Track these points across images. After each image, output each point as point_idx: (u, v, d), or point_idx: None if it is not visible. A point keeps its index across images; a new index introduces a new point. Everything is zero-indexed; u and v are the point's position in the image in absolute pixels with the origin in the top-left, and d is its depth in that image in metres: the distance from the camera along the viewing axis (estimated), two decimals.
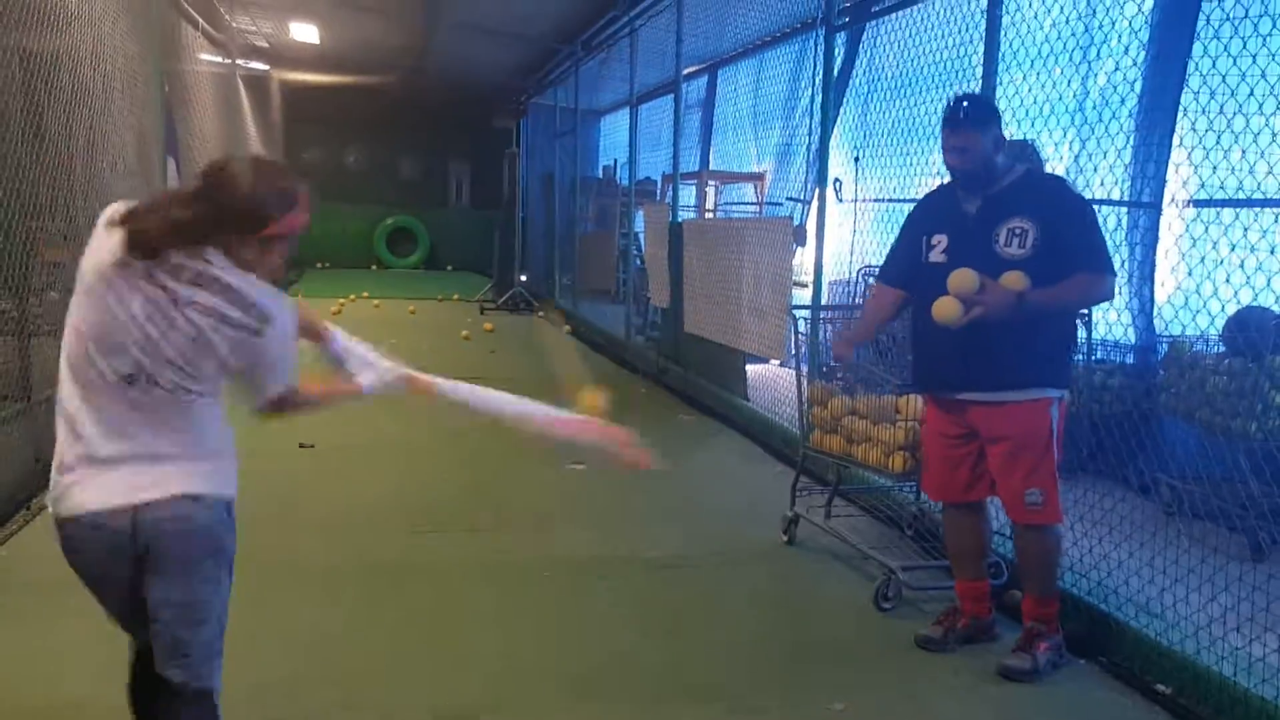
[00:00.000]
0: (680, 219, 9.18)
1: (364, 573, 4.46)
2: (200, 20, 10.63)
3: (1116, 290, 3.73)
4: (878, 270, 4.23)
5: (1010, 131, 4.72)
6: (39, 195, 5.32)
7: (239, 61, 13.86)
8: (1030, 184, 3.62)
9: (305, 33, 14.40)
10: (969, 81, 4.78)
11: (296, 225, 2.24)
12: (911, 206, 4.10)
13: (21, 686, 3.32)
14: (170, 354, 2.12)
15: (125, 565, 2.20)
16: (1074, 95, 4.78)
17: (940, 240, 3.69)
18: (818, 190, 6.37)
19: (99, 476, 2.15)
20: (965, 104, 3.65)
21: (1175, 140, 5.03)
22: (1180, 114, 4.87)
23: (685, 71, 9.71)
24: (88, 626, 3.58)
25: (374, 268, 21.89)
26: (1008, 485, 3.62)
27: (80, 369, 2.15)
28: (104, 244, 2.12)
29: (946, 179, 3.84)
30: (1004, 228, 3.52)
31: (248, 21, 13.67)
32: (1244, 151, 3.82)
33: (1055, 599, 3.70)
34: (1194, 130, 4.08)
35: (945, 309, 3.46)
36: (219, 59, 12.40)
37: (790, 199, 7.81)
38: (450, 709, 3.30)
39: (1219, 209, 4.24)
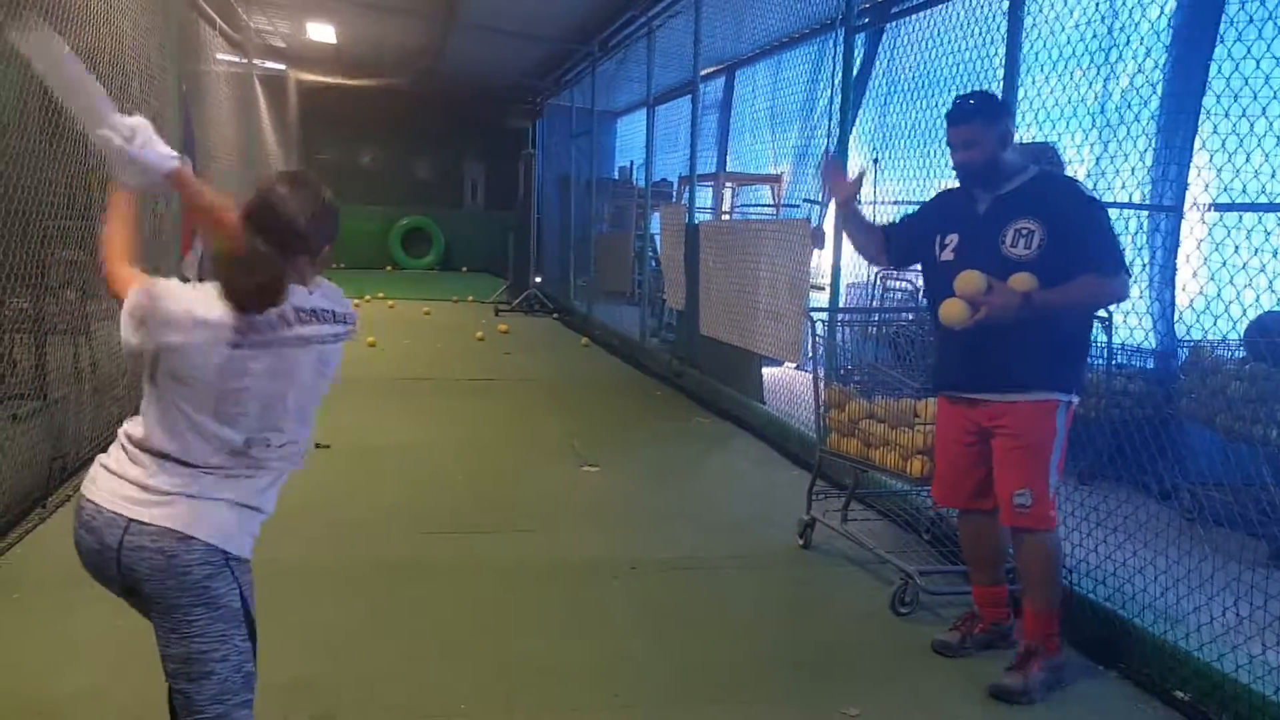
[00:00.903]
0: (697, 221, 9.16)
1: (379, 573, 4.46)
2: (218, 20, 10.66)
3: (1131, 292, 3.67)
4: (896, 275, 4.22)
5: (1031, 134, 4.69)
6: (56, 194, 5.33)
7: (256, 61, 13.91)
8: (1041, 185, 3.58)
9: (322, 33, 14.45)
10: (990, 83, 4.75)
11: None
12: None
13: (34, 681, 3.33)
14: (289, 404, 2.21)
15: (113, 581, 2.20)
16: (1095, 98, 4.75)
17: (952, 239, 3.67)
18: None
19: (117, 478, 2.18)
20: (969, 99, 3.63)
21: (1197, 144, 5.00)
22: (1202, 117, 4.83)
23: (703, 72, 9.69)
24: (101, 623, 3.62)
25: (389, 269, 21.94)
26: (1001, 486, 3.59)
27: (181, 430, 2.16)
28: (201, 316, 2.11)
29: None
30: (1011, 228, 3.49)
31: (265, 21, 13.72)
32: (1266, 155, 3.78)
33: (1056, 615, 3.61)
34: (1216, 134, 4.04)
35: (951, 311, 3.45)
36: (236, 59, 12.44)
37: (807, 200, 7.78)
38: (465, 709, 3.29)
39: (1240, 213, 4.21)
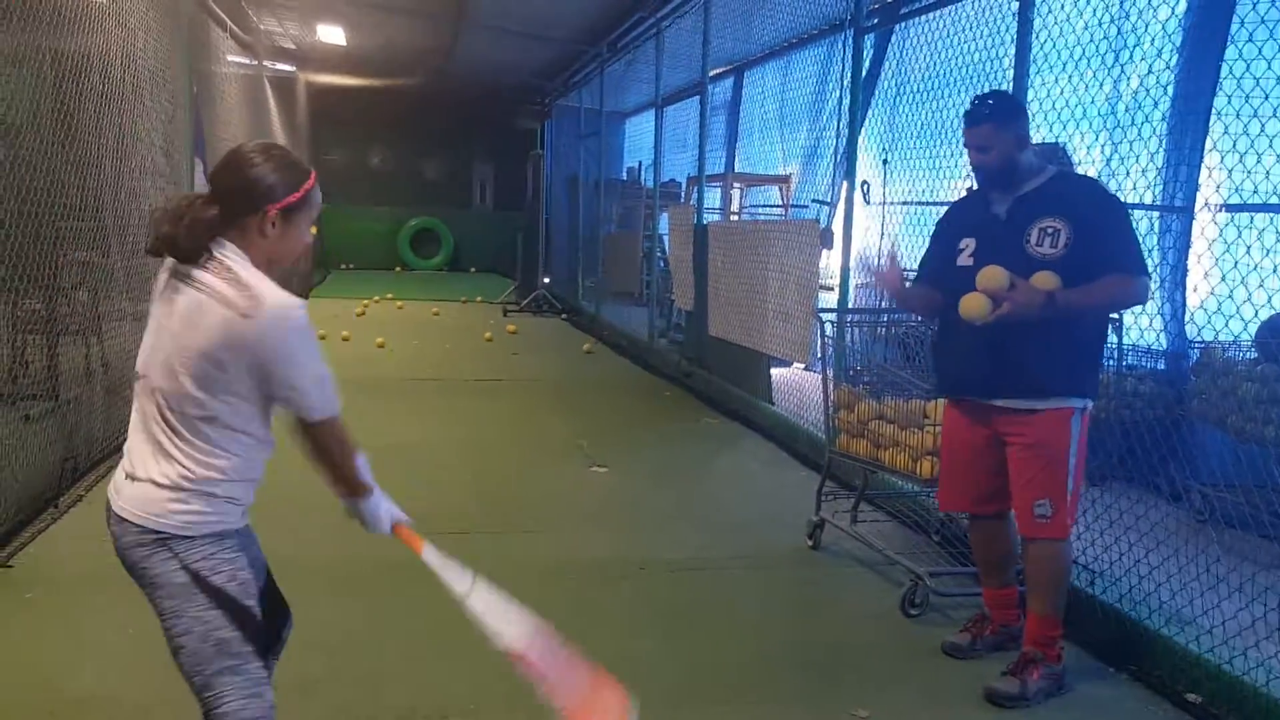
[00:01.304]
0: (706, 221, 9.16)
1: (383, 572, 4.44)
2: (228, 21, 10.69)
3: (1150, 294, 3.65)
4: (913, 271, 4.19)
5: (1041, 134, 4.68)
6: (69, 195, 5.36)
7: (266, 63, 13.94)
8: (1062, 184, 3.55)
9: (332, 34, 14.46)
10: (1000, 83, 4.74)
11: (303, 201, 2.23)
12: (943, 211, 4.05)
13: (46, 681, 3.34)
14: (169, 349, 2.14)
15: None
16: (1106, 98, 4.74)
17: (969, 244, 3.62)
18: (845, 193, 6.34)
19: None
20: (988, 100, 3.60)
21: (1208, 144, 4.98)
22: (1214, 117, 4.82)
23: (711, 73, 9.69)
24: (112, 623, 3.63)
25: (398, 269, 21.98)
26: (1019, 495, 3.54)
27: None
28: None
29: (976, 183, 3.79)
30: (1035, 227, 3.44)
31: (275, 23, 13.75)
32: (1278, 156, 3.77)
33: (1058, 623, 3.58)
34: (1227, 134, 4.03)
35: (972, 305, 3.40)
36: (246, 60, 12.47)
37: (816, 201, 7.77)
38: (469, 710, 3.30)
39: (1252, 214, 4.20)
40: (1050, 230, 3.42)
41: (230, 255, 2.15)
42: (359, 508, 2.49)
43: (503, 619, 2.63)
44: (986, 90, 4.34)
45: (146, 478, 2.17)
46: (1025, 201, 3.52)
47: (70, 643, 3.62)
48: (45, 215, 5.05)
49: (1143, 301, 3.63)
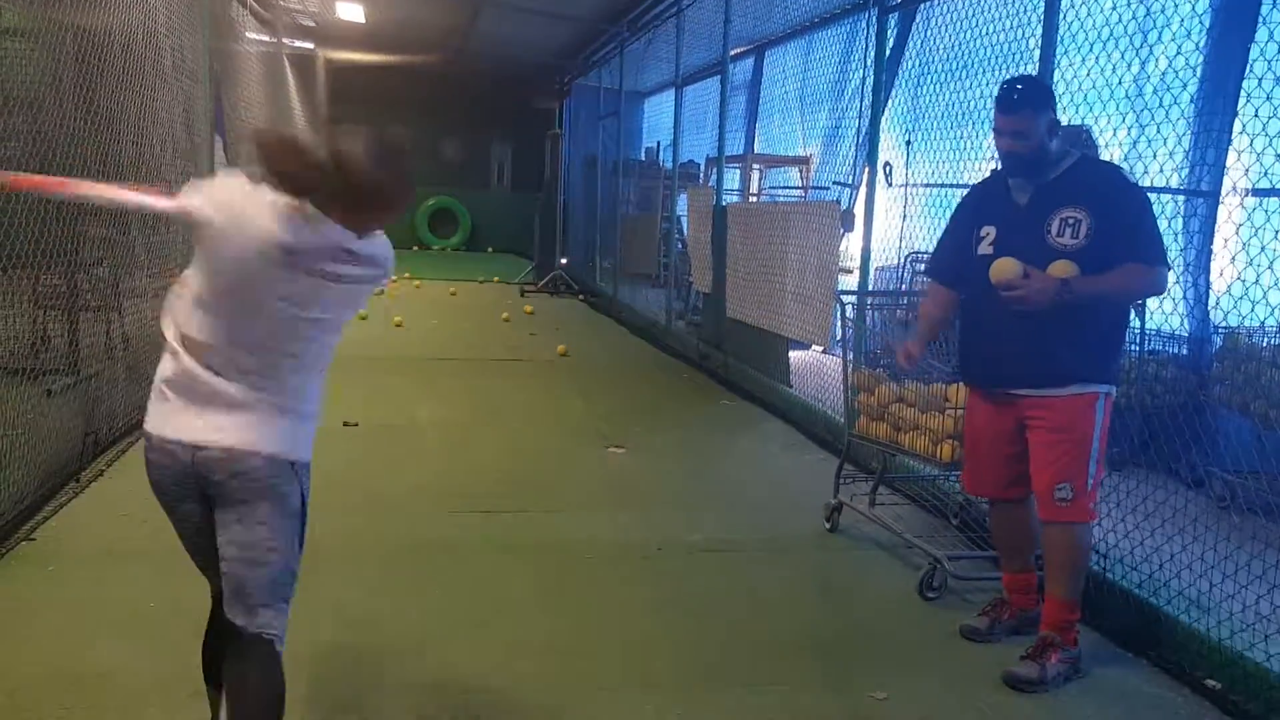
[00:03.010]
0: (725, 203, 9.12)
1: (406, 552, 4.48)
2: None
3: (1169, 284, 3.61)
4: (925, 258, 4.17)
5: (1067, 117, 4.63)
6: (89, 170, 5.37)
7: (285, 40, 13.93)
8: (1084, 171, 3.51)
9: (351, 12, 14.44)
10: (1025, 64, 4.69)
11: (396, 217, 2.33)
12: (962, 194, 4.01)
13: (67, 653, 3.36)
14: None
15: (192, 498, 2.34)
16: (1132, 80, 4.68)
17: (989, 232, 3.59)
18: (866, 174, 6.30)
19: (187, 409, 2.29)
20: (1019, 85, 3.55)
21: (1236, 127, 4.92)
22: (1243, 100, 4.76)
23: (732, 52, 9.63)
24: (134, 597, 3.66)
25: (415, 248, 22.01)
26: (1040, 478, 3.53)
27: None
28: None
29: (1000, 165, 3.74)
30: (1056, 217, 3.42)
31: (295, 0, 13.73)
32: None
33: (1076, 607, 3.57)
34: (1256, 117, 3.98)
35: (1004, 267, 3.40)
36: (266, 38, 12.46)
37: (837, 183, 7.73)
38: (492, 687, 3.31)
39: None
40: (1072, 220, 3.39)
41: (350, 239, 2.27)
42: None
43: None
44: (1014, 71, 4.29)
45: (259, 404, 2.28)
46: (1047, 189, 3.49)
47: (92, 616, 3.65)
48: None
49: (1160, 292, 3.60)
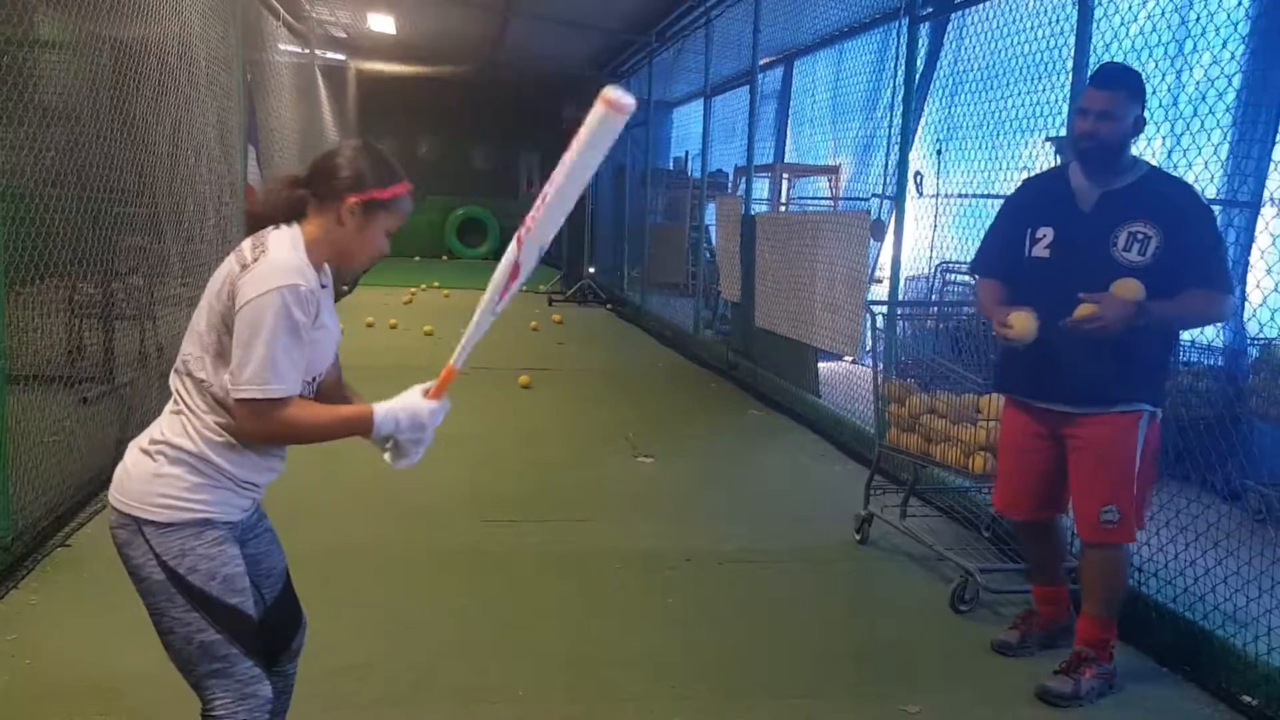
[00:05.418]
0: (754, 212, 9.11)
1: (436, 561, 4.49)
2: (281, 11, 10.79)
3: (1233, 310, 3.49)
4: (966, 264, 4.11)
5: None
6: (125, 181, 5.43)
7: (317, 52, 14.05)
8: (1155, 185, 3.35)
9: (382, 23, 14.55)
10: (1059, 75, 4.67)
11: (389, 202, 2.19)
12: (1012, 191, 3.88)
13: (97, 659, 3.40)
14: (198, 323, 2.12)
15: None
16: (1168, 89, 4.64)
17: (1046, 234, 3.44)
18: (896, 184, 6.28)
19: None
20: (1120, 67, 3.44)
21: (1277, 137, 4.87)
22: None
23: (761, 62, 9.63)
24: None
25: (444, 258, 22.09)
26: (1083, 500, 3.45)
27: None
28: None
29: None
30: (1124, 230, 3.27)
31: (326, 12, 13.85)
32: None
33: (1113, 625, 3.51)
34: None
35: (1022, 324, 3.30)
36: (298, 49, 12.58)
37: (876, 196, 7.69)
38: (522, 694, 3.31)
39: None
40: (1140, 236, 3.26)
41: (282, 231, 2.13)
42: (378, 440, 2.18)
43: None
44: (1047, 81, 4.25)
45: (154, 449, 2.11)
46: (1115, 198, 3.35)
47: (126, 621, 3.65)
48: (103, 200, 5.12)
49: (1226, 319, 3.50)
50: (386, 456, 2.22)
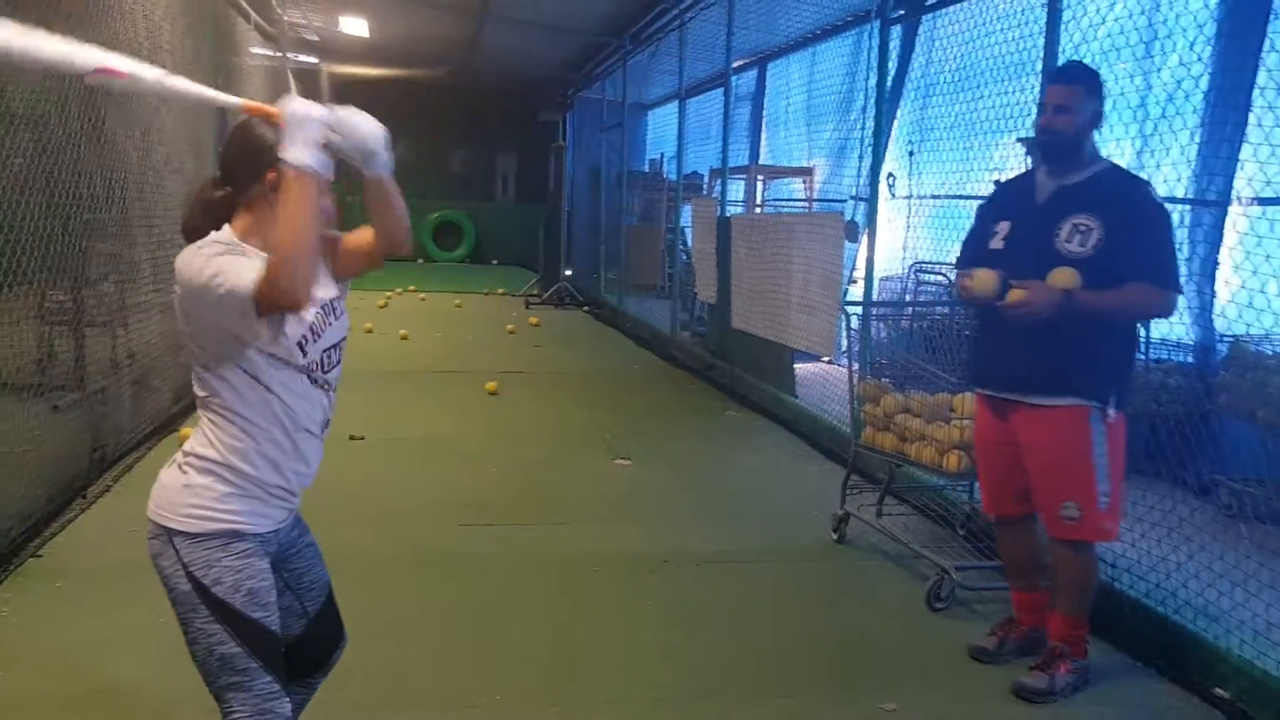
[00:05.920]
0: (729, 214, 9.13)
1: (414, 565, 4.48)
2: (253, 14, 10.73)
3: (1176, 309, 3.53)
4: (939, 265, 4.16)
5: None
6: (95, 187, 5.38)
7: (289, 55, 13.98)
8: (1109, 181, 3.42)
9: (355, 26, 14.50)
10: (1029, 76, 4.70)
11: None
12: (978, 201, 3.99)
13: (74, 670, 3.37)
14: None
15: None
16: (1136, 90, 4.69)
17: (1003, 226, 3.56)
18: (870, 186, 6.30)
19: None
20: (1078, 64, 3.53)
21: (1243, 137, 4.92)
22: (1250, 110, 4.76)
23: (735, 65, 9.65)
24: (141, 613, 3.65)
25: (420, 261, 22.04)
26: (1041, 495, 3.50)
27: None
28: None
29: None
30: (1069, 222, 3.36)
31: (299, 15, 13.78)
32: None
33: (1085, 621, 3.55)
34: (1260, 126, 3.98)
35: (984, 281, 3.41)
36: (270, 52, 12.51)
37: (853, 197, 7.73)
38: (500, 701, 3.31)
39: None
40: (1083, 228, 3.33)
41: (211, 234, 2.09)
42: (308, 159, 2.04)
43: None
44: (1017, 83, 4.29)
45: (184, 460, 2.13)
46: (1068, 192, 3.43)
47: (99, 632, 3.65)
48: (72, 206, 5.08)
49: (1167, 315, 3.54)
50: (366, 172, 2.25)
